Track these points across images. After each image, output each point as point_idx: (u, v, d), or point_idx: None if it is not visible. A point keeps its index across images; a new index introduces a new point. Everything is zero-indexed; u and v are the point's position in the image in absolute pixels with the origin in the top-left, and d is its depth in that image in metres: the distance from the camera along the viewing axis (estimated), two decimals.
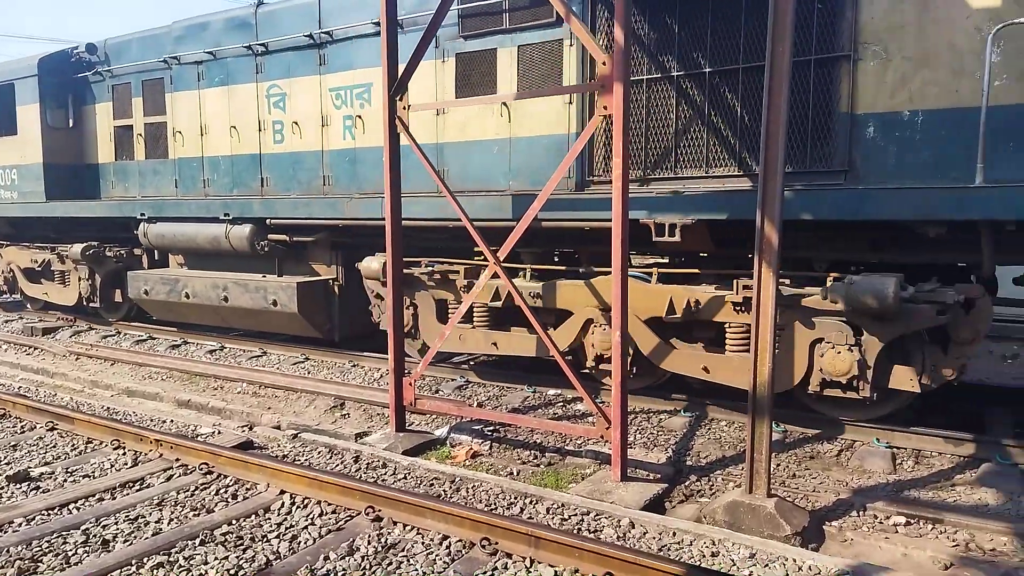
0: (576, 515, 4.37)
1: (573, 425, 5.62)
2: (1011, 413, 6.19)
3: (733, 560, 3.80)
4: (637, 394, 6.50)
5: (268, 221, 8.48)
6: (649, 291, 6.05)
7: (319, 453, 5.52)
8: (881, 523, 4.49)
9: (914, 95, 5.19)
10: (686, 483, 5.09)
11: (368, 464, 5.27)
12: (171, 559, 3.85)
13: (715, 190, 5.76)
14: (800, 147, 5.60)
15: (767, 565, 3.73)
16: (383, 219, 5.90)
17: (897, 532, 4.39)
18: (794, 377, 5.59)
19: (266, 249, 8.60)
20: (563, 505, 4.49)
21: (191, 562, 3.82)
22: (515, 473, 5.37)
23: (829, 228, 5.52)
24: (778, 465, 5.28)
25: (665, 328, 6.07)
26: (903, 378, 5.37)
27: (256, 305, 8.51)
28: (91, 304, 10.81)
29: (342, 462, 5.32)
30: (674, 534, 4.08)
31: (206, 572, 3.73)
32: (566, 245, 7.01)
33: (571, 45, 6.43)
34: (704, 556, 3.86)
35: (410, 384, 5.98)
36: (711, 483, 5.08)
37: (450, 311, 7.25)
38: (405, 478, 5.02)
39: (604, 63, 4.76)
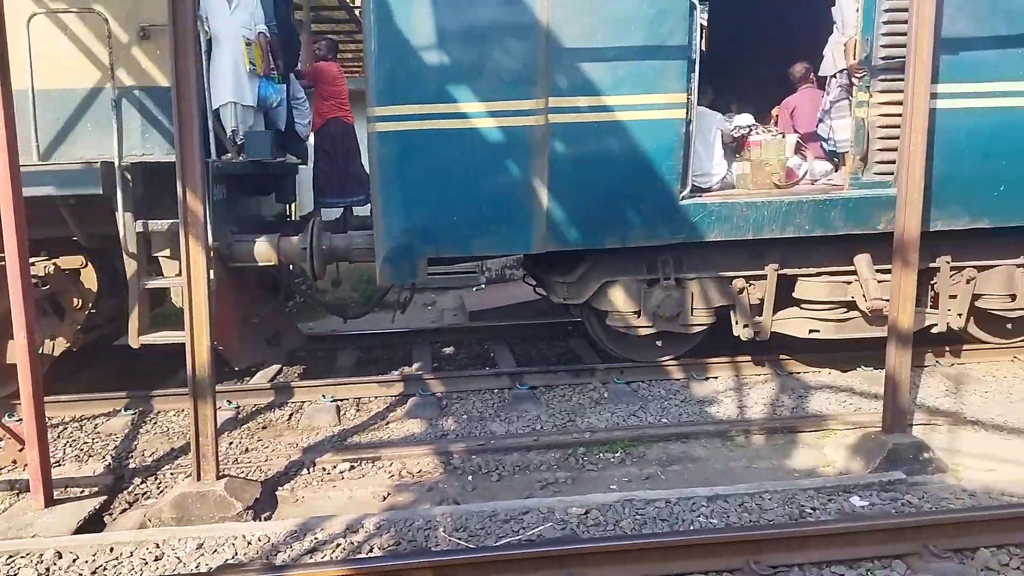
0: None
1: None
2: (430, 351, 7.30)
3: (179, 557, 3.56)
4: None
5: None
6: None
7: None
8: (329, 474, 4.79)
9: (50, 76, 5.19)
10: (130, 488, 4.60)
11: None
12: None
13: None
14: None
15: (216, 551, 3.60)
16: None
17: (343, 478, 4.75)
18: None
19: None
20: None
21: None
22: None
23: None
24: (231, 443, 5.19)
25: None
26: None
27: None
28: None
29: None
30: (111, 550, 3.63)
31: None
32: None
33: None
34: (146, 564, 3.52)
35: None
36: (159, 481, 4.69)
37: None
38: None
39: None
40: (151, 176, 5.35)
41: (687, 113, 5.28)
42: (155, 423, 5.55)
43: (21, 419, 4.38)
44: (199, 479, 4.24)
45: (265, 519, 4.21)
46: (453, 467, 4.86)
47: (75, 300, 5.84)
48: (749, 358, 6.25)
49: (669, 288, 5.74)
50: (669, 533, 3.48)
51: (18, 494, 4.46)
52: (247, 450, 5.13)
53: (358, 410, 5.80)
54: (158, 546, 3.64)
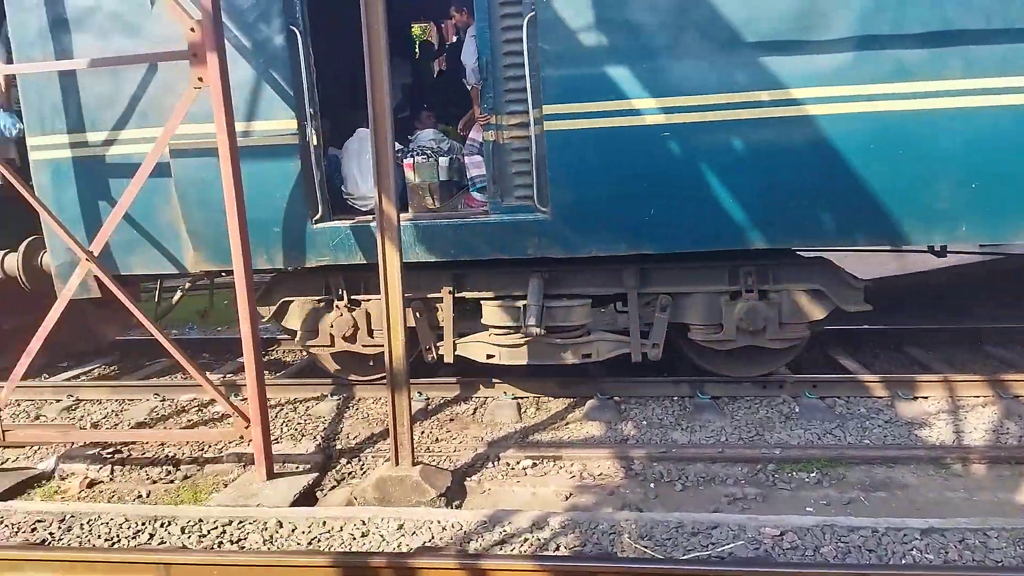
0: (216, 528, 4.01)
1: (207, 431, 5.18)
2: None
3: (383, 535, 3.83)
4: None
5: None
6: None
7: None
8: (513, 469, 4.93)
9: None
10: (338, 468, 5.02)
11: None
12: None
13: None
14: None
15: (415, 533, 3.83)
16: None
17: (526, 475, 4.87)
18: None
19: None
20: (200, 520, 4.08)
21: None
22: (145, 495, 4.76)
23: None
24: (422, 432, 5.49)
25: None
26: None
27: None
28: None
29: None
30: (324, 523, 3.98)
31: None
32: None
33: None
34: (354, 539, 3.82)
35: None
36: (362, 463, 5.08)
37: None
38: None
39: (193, 29, 4.30)
40: None
41: (300, 138, 5.25)
42: (357, 409, 6.00)
43: (246, 399, 4.92)
44: (397, 464, 4.53)
45: (456, 507, 4.41)
46: (634, 473, 4.82)
47: None
48: (963, 378, 5.64)
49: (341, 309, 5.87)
50: (881, 565, 3.22)
51: (244, 466, 5.01)
52: (437, 440, 5.41)
53: (538, 409, 5.92)
54: (364, 523, 3.94)
